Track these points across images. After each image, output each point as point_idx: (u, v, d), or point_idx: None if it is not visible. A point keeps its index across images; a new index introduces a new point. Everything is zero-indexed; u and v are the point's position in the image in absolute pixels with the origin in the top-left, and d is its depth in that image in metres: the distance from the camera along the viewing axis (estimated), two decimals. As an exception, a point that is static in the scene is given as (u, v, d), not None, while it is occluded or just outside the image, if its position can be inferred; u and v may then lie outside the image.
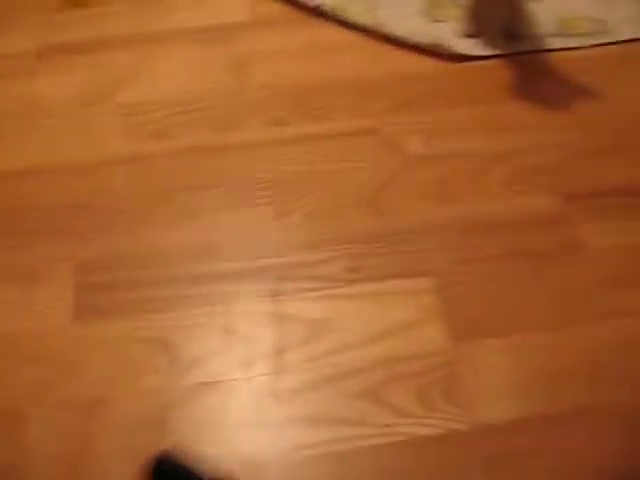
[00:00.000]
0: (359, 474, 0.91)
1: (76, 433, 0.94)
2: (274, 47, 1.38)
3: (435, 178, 1.18)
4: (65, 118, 1.30)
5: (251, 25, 1.42)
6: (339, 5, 1.43)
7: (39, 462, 0.93)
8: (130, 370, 0.99)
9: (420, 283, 1.06)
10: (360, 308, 1.04)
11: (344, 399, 0.96)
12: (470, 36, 1.38)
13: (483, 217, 1.13)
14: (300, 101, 1.29)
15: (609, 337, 1.01)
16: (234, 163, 1.22)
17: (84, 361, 1.01)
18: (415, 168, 1.19)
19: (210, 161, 1.22)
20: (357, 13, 1.42)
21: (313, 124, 1.26)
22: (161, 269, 1.09)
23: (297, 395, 0.97)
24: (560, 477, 0.90)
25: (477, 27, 1.37)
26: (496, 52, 1.36)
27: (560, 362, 0.99)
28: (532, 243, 1.10)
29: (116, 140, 1.26)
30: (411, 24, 1.40)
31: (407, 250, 1.10)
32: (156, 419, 0.95)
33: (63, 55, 1.40)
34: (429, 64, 1.35)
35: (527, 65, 1.35)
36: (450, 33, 1.38)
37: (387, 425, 0.94)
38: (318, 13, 1.43)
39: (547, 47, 1.37)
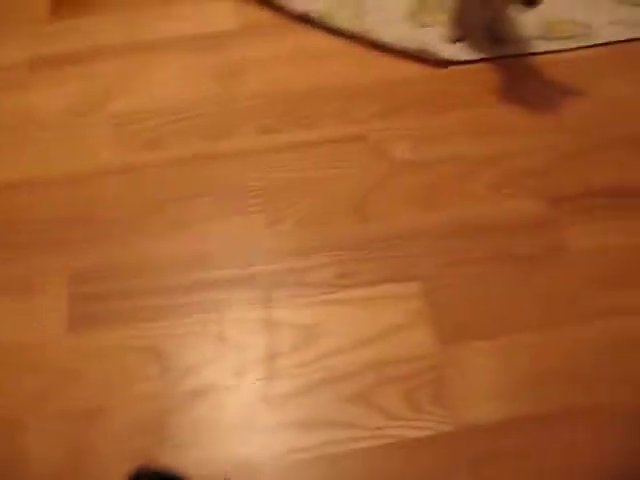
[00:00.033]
0: (351, 476, 0.93)
1: (76, 440, 0.96)
2: (263, 55, 1.40)
3: (422, 183, 1.20)
4: (58, 130, 1.32)
5: (240, 33, 1.44)
6: (327, 12, 1.44)
7: (40, 469, 0.94)
8: (126, 378, 1.01)
9: (408, 288, 1.08)
10: (350, 313, 1.06)
11: (336, 403, 0.98)
12: (456, 40, 1.39)
13: (471, 221, 1.15)
14: (289, 109, 1.31)
15: (595, 338, 1.02)
16: (226, 171, 1.23)
17: (80, 370, 1.02)
18: (403, 174, 1.21)
19: (202, 170, 1.24)
20: (344, 19, 1.43)
21: (303, 131, 1.28)
22: (154, 278, 1.11)
23: (290, 400, 0.99)
24: (546, 477, 0.92)
25: (462, 31, 1.39)
26: (482, 56, 1.38)
27: (547, 363, 1.00)
28: (519, 246, 1.12)
29: (109, 150, 1.28)
30: (398, 30, 1.41)
31: (395, 255, 1.11)
32: (153, 425, 0.97)
33: (55, 66, 1.41)
34: (416, 69, 1.37)
35: (513, 68, 1.36)
36: (436, 38, 1.40)
37: (378, 428, 0.96)
38: (306, 20, 1.45)
39: (532, 50, 1.38)
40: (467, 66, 1.37)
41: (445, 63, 1.37)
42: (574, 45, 1.39)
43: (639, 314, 1.05)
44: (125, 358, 1.03)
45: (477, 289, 1.08)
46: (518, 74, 1.35)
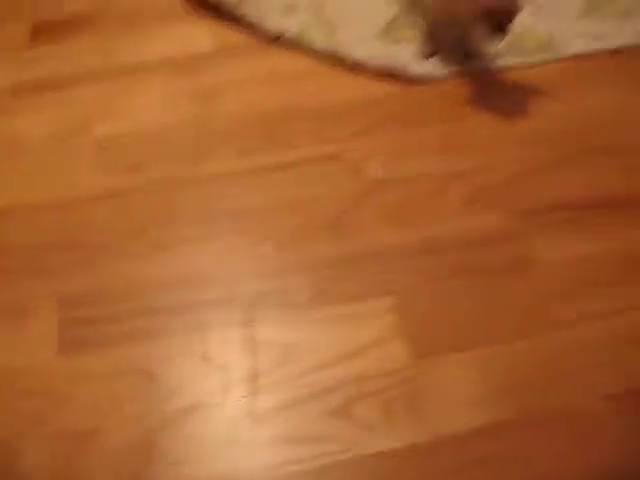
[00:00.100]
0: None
1: (70, 461, 0.99)
2: (239, 76, 1.43)
3: (395, 201, 1.24)
4: (43, 155, 1.35)
5: (215, 55, 1.48)
6: (300, 32, 1.48)
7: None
8: (116, 400, 1.05)
9: (384, 303, 1.12)
10: (329, 330, 1.10)
11: (318, 417, 1.02)
12: (427, 57, 1.43)
13: (442, 236, 1.19)
14: (266, 130, 1.35)
15: (565, 346, 1.06)
16: (206, 194, 1.27)
17: (71, 393, 1.06)
18: (376, 192, 1.25)
19: (183, 193, 1.28)
20: (318, 40, 1.47)
21: (280, 152, 1.32)
22: (140, 301, 1.15)
23: (274, 415, 1.02)
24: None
25: (433, 47, 1.43)
26: (452, 72, 1.42)
27: (523, 372, 1.04)
28: (489, 260, 1.16)
29: (92, 176, 1.31)
30: (369, 47, 1.45)
31: (370, 272, 1.15)
32: (145, 444, 1.00)
33: (36, 92, 1.45)
34: (388, 87, 1.40)
35: (483, 83, 1.40)
36: (408, 55, 1.44)
37: (358, 441, 0.99)
38: (281, 41, 1.48)
39: (501, 65, 1.42)
40: (439, 82, 1.41)
41: (417, 79, 1.41)
42: (542, 58, 1.43)
43: (605, 321, 1.09)
44: (115, 380, 1.07)
45: (450, 303, 1.12)
46: (488, 89, 1.39)
